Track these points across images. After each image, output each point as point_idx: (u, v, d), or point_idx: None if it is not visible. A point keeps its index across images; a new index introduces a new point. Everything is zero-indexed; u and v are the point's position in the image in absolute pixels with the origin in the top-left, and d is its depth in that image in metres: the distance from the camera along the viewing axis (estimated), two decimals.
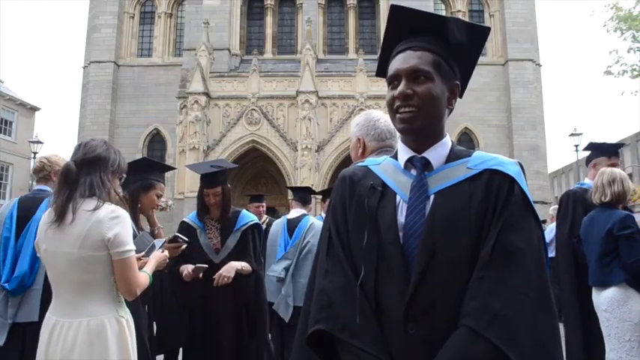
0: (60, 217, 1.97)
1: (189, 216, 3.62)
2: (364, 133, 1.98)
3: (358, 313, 1.17)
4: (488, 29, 1.34)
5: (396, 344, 1.16)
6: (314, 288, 1.30)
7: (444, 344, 1.09)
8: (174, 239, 2.95)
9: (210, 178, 3.38)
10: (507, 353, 1.03)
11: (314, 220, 4.57)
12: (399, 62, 1.27)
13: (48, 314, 2.05)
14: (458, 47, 1.28)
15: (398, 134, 1.39)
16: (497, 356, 1.04)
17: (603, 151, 4.08)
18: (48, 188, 3.28)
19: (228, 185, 3.53)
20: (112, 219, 1.97)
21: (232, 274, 3.25)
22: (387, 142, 2.02)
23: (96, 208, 1.97)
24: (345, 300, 1.20)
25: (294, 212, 4.63)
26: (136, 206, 3.07)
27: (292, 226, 4.50)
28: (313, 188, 19.65)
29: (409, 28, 1.29)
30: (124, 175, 2.28)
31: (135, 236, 2.31)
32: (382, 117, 2.06)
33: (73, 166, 2.05)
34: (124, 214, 2.03)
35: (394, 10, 1.31)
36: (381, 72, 1.39)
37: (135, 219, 2.99)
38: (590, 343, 3.62)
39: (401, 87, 1.24)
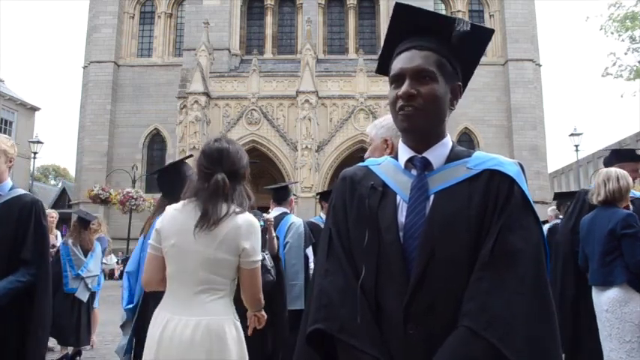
0: (208, 220, 1.97)
1: None
2: (393, 134, 1.85)
3: (358, 314, 1.17)
4: (492, 31, 1.33)
5: (395, 344, 1.15)
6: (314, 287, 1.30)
7: (443, 344, 1.09)
8: None
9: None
10: (504, 352, 1.02)
11: (294, 219, 4.59)
12: (404, 61, 1.25)
13: (158, 310, 2.02)
14: (461, 47, 1.26)
15: None
16: (496, 356, 1.03)
17: (633, 158, 4.02)
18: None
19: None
20: (249, 229, 2.03)
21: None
22: None
23: (236, 214, 2.02)
24: (344, 300, 1.20)
25: (274, 211, 4.67)
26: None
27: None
28: (313, 188, 19.81)
29: (413, 27, 1.28)
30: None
31: None
32: None
33: (227, 181, 2.07)
34: (257, 225, 2.09)
35: (398, 8, 1.29)
36: (382, 69, 1.37)
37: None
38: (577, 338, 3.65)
39: (405, 86, 1.23)
